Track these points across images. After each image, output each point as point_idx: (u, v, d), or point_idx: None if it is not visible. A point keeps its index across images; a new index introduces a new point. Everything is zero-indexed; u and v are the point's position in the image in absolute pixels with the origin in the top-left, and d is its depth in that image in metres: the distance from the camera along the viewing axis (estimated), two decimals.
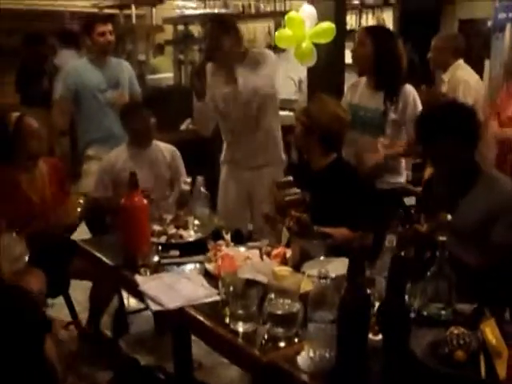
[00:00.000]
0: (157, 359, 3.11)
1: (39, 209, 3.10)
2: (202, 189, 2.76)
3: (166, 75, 6.30)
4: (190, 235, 2.58)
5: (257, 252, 2.30)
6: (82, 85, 3.83)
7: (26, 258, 2.33)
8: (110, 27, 3.82)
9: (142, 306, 2.61)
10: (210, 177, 3.46)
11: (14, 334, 1.46)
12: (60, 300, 3.24)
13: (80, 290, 3.48)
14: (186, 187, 2.99)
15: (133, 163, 3.33)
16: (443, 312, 1.82)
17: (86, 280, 3.34)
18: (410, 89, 3.14)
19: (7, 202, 3.01)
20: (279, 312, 1.73)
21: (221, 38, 3.12)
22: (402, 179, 3.31)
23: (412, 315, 1.75)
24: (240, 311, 1.79)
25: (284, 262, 2.22)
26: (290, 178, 2.63)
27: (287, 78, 6.29)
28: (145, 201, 2.37)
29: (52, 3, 6.97)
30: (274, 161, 3.37)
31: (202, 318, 1.86)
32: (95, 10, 6.47)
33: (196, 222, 2.69)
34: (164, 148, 3.57)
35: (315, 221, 2.42)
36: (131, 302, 3.60)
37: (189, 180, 3.03)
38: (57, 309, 3.59)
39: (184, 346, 2.43)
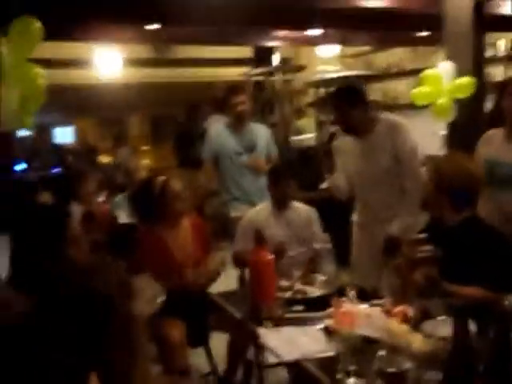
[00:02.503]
0: None
1: (181, 265, 3.35)
2: (328, 245, 2.83)
3: (308, 136, 6.53)
4: (315, 291, 2.64)
5: (378, 309, 2.31)
6: (221, 148, 4.16)
7: (160, 300, 2.50)
8: (242, 97, 4.13)
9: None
10: (345, 235, 3.56)
11: None
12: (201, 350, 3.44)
13: (222, 342, 3.65)
14: (320, 246, 3.07)
15: (273, 221, 3.51)
16: None
17: (225, 332, 3.49)
18: None
19: (152, 257, 3.30)
20: (389, 370, 1.73)
21: (347, 112, 3.23)
22: None
23: None
24: (352, 367, 1.81)
25: (405, 320, 2.20)
26: (423, 234, 2.62)
27: (432, 134, 6.21)
28: (271, 256, 2.49)
29: (208, 74, 7.61)
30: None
31: (314, 372, 1.90)
32: (244, 78, 6.99)
33: (322, 278, 2.75)
34: (302, 209, 3.69)
35: (446, 279, 2.38)
36: (269, 357, 3.68)
37: (324, 238, 3.12)
38: (198, 359, 3.82)
39: None
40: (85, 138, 11.56)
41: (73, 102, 10.69)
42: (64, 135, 13.56)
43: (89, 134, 13.06)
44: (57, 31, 5.04)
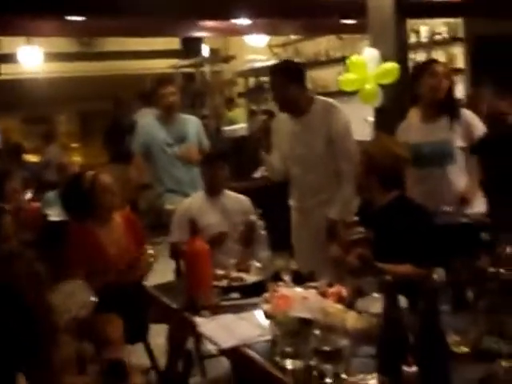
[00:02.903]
0: None
1: (115, 260, 3.30)
2: (263, 232, 2.85)
3: (240, 126, 6.55)
4: (251, 278, 2.66)
5: (314, 292, 2.34)
6: (152, 140, 4.10)
7: (92, 306, 2.45)
8: (171, 89, 4.09)
9: None
10: (283, 220, 3.59)
11: None
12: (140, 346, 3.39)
13: (161, 334, 3.60)
14: (253, 218, 3.09)
15: (207, 209, 3.50)
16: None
17: (164, 324, 3.45)
18: (468, 112, 3.18)
19: (85, 253, 3.23)
20: (325, 348, 1.75)
21: (285, 88, 3.25)
22: (480, 211, 3.25)
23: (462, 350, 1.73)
24: (288, 349, 1.83)
25: (340, 300, 2.24)
26: (356, 217, 2.68)
27: (362, 120, 6.35)
28: (206, 246, 2.48)
29: (136, 66, 7.48)
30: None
31: (252, 356, 1.91)
32: (173, 70, 6.91)
33: (258, 264, 2.76)
34: (236, 197, 3.70)
35: (379, 258, 2.44)
36: (210, 346, 3.68)
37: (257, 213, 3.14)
38: (137, 354, 3.76)
39: None
40: (9, 138, 11.13)
41: None
42: None
43: (13, 133, 12.60)
44: None
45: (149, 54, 7.52)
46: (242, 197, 3.72)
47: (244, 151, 5.86)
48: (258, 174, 5.65)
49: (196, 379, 3.45)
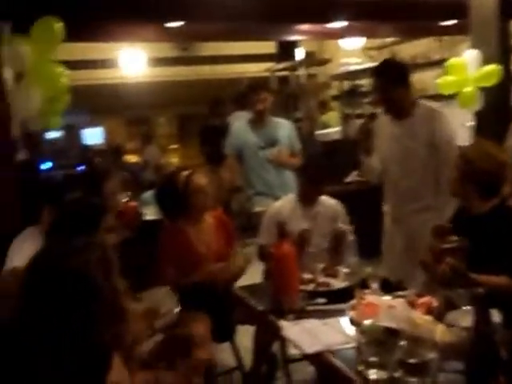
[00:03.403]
0: None
1: (205, 259, 3.36)
2: (352, 237, 2.81)
3: (333, 129, 6.49)
4: (338, 284, 2.62)
5: (402, 301, 2.28)
6: (244, 143, 4.16)
7: (174, 316, 2.51)
8: (263, 95, 4.13)
9: None
10: (375, 226, 3.51)
11: None
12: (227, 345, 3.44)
13: (248, 336, 3.64)
14: (343, 226, 3.04)
15: (297, 215, 3.46)
16: None
17: (250, 325, 3.48)
18: None
19: (177, 252, 3.32)
20: (411, 360, 1.70)
21: (390, 89, 3.17)
22: None
23: None
24: (373, 358, 1.79)
25: (429, 311, 2.17)
26: (449, 224, 2.58)
27: (460, 125, 6.13)
28: (294, 249, 2.48)
29: (232, 70, 7.62)
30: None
31: (335, 363, 1.88)
32: (268, 74, 6.97)
33: (345, 270, 2.73)
34: (328, 202, 3.61)
35: (473, 268, 2.33)
36: (293, 350, 3.67)
37: (349, 231, 3.08)
38: (224, 354, 3.82)
39: None
40: (112, 139, 11.68)
41: (101, 102, 10.82)
42: (93, 136, 13.76)
43: (117, 134, 13.22)
44: (80, 32, 5.12)
45: (244, 58, 7.64)
46: (334, 202, 3.63)
47: (337, 155, 5.81)
48: (350, 179, 5.58)
49: (280, 382, 3.44)
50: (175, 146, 16.51)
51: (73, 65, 7.39)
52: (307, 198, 3.51)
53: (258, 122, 4.24)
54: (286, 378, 3.53)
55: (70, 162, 3.65)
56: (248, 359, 3.48)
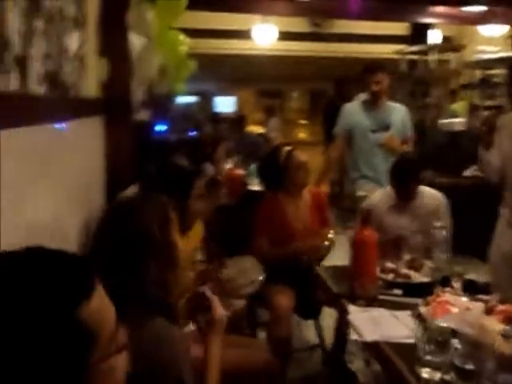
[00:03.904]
0: None
1: (298, 235, 3.40)
2: (445, 232, 2.70)
3: (459, 120, 6.17)
4: (418, 278, 2.55)
5: (480, 305, 2.17)
6: (355, 125, 4.09)
7: (259, 285, 2.57)
8: (379, 77, 4.01)
9: None
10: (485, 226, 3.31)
11: None
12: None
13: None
14: (442, 233, 2.91)
15: (395, 209, 3.31)
16: None
17: (328, 306, 3.48)
18: None
19: (272, 224, 3.40)
20: (466, 366, 1.63)
21: None
22: None
23: None
24: (429, 357, 1.74)
25: (506, 320, 2.05)
26: None
27: None
28: (375, 236, 2.44)
29: (362, 50, 7.48)
30: None
31: (390, 356, 1.85)
32: (399, 56, 6.75)
33: (431, 265, 2.64)
34: (430, 196, 3.42)
35: None
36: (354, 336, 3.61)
37: (445, 225, 2.95)
38: (308, 331, 3.87)
39: None
40: (242, 108, 11.97)
41: (235, 72, 11.11)
42: (225, 104, 14.20)
43: (248, 105, 13.53)
44: (216, 2, 5.29)
45: (376, 38, 7.46)
46: (437, 196, 3.47)
47: (459, 147, 5.54)
48: (468, 173, 5.31)
49: (357, 364, 3.41)
50: (304, 122, 16.58)
51: (209, 34, 7.68)
52: (402, 196, 3.34)
53: (372, 104, 4.16)
54: (365, 362, 3.50)
55: (183, 127, 3.80)
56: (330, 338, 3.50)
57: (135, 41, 3.62)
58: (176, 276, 1.61)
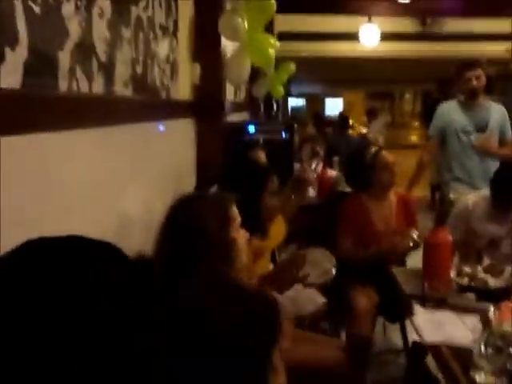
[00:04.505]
0: None
1: (382, 237, 3.37)
2: None
3: None
4: (495, 282, 2.46)
5: None
6: (449, 125, 3.97)
7: (333, 273, 2.58)
8: (477, 72, 3.84)
9: None
10: None
11: None
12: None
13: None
14: None
15: (489, 218, 3.13)
16: None
17: None
18: None
19: (356, 224, 3.40)
20: None
21: None
22: None
23: None
24: (485, 362, 1.70)
25: None
26: None
27: None
28: (448, 238, 2.40)
29: (472, 48, 7.20)
30: None
31: (447, 358, 1.83)
32: (506, 55, 6.44)
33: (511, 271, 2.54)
34: None
35: None
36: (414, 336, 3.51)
37: None
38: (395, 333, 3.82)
39: None
40: (350, 110, 11.94)
41: (342, 74, 11.10)
42: (334, 106, 14.23)
43: (357, 107, 13.44)
44: (320, 6, 5.37)
45: (483, 37, 7.13)
46: None
47: None
48: None
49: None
50: (417, 124, 16.15)
51: (315, 37, 7.75)
52: (504, 200, 3.10)
53: (467, 102, 3.99)
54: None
55: (272, 128, 3.89)
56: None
57: (227, 45, 3.78)
58: (233, 273, 1.69)
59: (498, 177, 3.10)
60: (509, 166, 3.23)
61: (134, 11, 2.41)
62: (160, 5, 2.81)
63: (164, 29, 2.87)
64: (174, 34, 3.08)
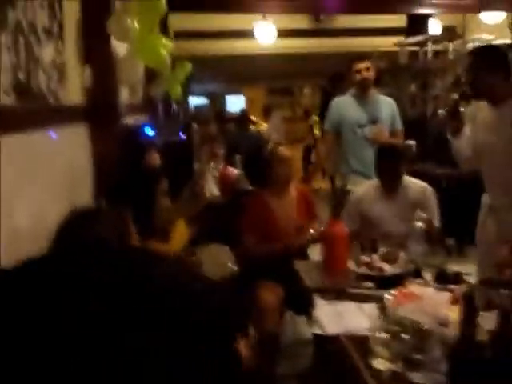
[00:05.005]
0: None
1: (284, 232, 3.43)
2: (419, 224, 2.71)
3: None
4: (391, 270, 2.56)
5: (446, 295, 2.18)
6: (343, 118, 4.10)
7: (233, 268, 2.60)
8: (366, 64, 4.00)
9: None
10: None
11: None
12: None
13: None
14: (419, 224, 2.93)
15: (380, 201, 3.35)
16: None
17: None
18: None
19: (259, 221, 3.43)
20: (415, 356, 1.66)
21: (482, 74, 2.97)
22: None
23: None
24: (380, 348, 1.76)
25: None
26: None
27: None
28: (344, 230, 2.47)
29: (362, 44, 7.46)
30: None
31: (347, 348, 1.88)
32: (397, 49, 6.72)
33: (405, 257, 2.65)
34: (416, 187, 3.43)
35: None
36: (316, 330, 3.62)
37: (424, 216, 2.96)
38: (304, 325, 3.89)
39: None
40: (251, 107, 12.04)
41: (241, 71, 11.16)
42: (235, 103, 14.30)
43: (257, 103, 13.58)
44: (215, 3, 5.34)
45: (374, 32, 7.41)
46: (422, 187, 3.46)
47: None
48: None
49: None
50: (317, 118, 16.50)
51: (211, 35, 7.74)
52: (386, 183, 3.38)
53: (360, 95, 4.12)
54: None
55: (169, 129, 3.84)
56: None
57: (120, 46, 3.69)
58: None
59: (378, 161, 3.38)
60: (384, 149, 3.45)
61: (12, 15, 2.29)
62: (42, 7, 2.69)
63: (48, 32, 2.75)
64: (60, 36, 2.95)
